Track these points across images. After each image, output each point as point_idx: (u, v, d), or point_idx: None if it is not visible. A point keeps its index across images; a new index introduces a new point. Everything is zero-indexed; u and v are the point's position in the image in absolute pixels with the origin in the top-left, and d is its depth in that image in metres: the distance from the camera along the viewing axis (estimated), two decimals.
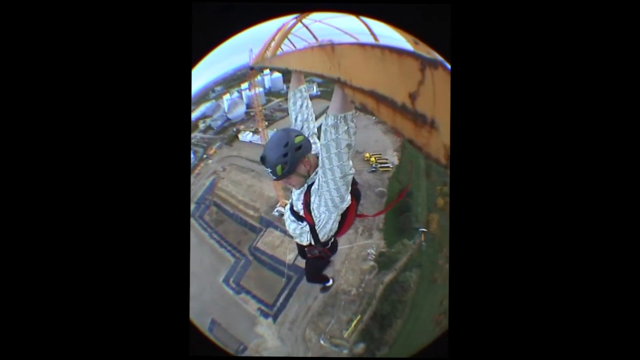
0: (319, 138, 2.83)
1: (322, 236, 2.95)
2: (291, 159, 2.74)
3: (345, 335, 30.95)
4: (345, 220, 2.92)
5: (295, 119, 3.27)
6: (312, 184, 2.78)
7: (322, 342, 32.30)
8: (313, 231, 2.96)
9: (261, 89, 47.56)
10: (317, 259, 3.52)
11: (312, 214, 2.82)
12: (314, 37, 7.56)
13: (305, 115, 3.27)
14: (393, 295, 31.10)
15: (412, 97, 1.00)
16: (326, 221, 2.80)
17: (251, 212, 39.81)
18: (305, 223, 3.01)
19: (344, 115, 2.05)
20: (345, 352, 30.60)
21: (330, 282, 5.25)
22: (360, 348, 30.34)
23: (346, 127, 2.08)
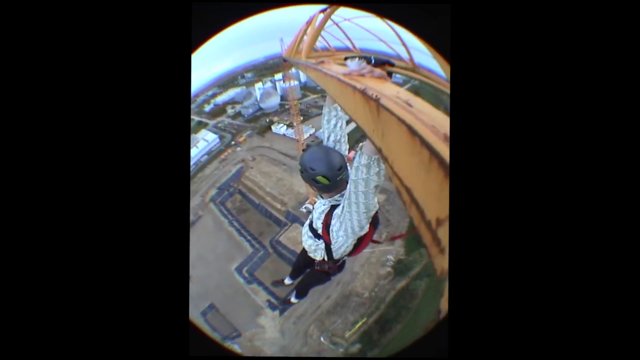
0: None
1: (336, 255, 3.10)
2: (306, 178, 2.93)
3: (347, 335, 30.92)
4: (361, 244, 3.05)
5: (328, 138, 3.28)
6: (336, 206, 2.87)
7: (322, 339, 32.22)
8: (328, 249, 3.09)
9: (296, 82, 47.31)
10: (322, 273, 3.67)
11: (331, 235, 2.92)
12: (348, 37, 7.52)
13: (339, 137, 3.26)
14: (401, 301, 31.20)
15: (439, 223, 1.00)
16: (342, 243, 2.93)
17: (278, 205, 39.59)
18: (321, 241, 3.13)
19: (378, 158, 2.05)
20: (341, 351, 30.57)
21: (304, 300, 5.33)
22: (355, 348, 30.27)
23: (377, 169, 2.11)
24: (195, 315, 36.06)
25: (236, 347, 34.34)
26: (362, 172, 2.14)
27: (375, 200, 2.42)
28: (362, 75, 1.92)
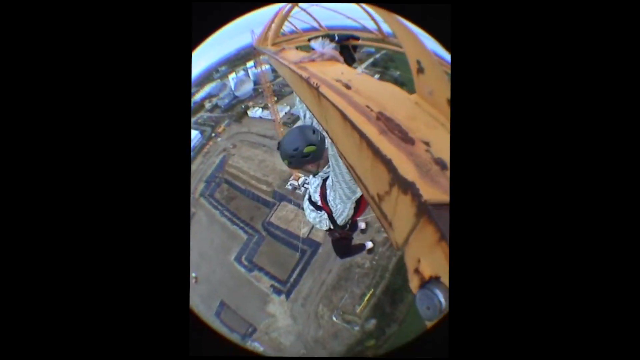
0: None
1: (340, 222, 3.28)
2: (296, 162, 3.06)
3: (358, 310, 31.12)
4: (360, 206, 3.27)
5: (304, 116, 3.54)
6: (327, 178, 3.06)
7: (334, 318, 32.36)
8: (331, 218, 3.26)
9: (268, 66, 47.58)
10: (340, 239, 3.98)
11: (329, 204, 3.11)
12: (314, 18, 7.50)
13: None
14: (405, 267, 31.37)
15: (380, 198, 1.05)
16: (342, 210, 3.11)
17: (264, 187, 39.83)
18: (323, 212, 3.28)
19: None
20: (357, 329, 30.79)
21: (370, 244, 5.74)
22: (371, 324, 30.50)
23: None
24: (210, 317, 36.63)
25: (257, 345, 34.85)
26: None
27: None
28: (313, 60, 2.06)
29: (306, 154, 2.96)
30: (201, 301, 37.08)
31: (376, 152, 0.97)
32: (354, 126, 1.11)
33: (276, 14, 5.91)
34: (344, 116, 1.17)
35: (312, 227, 36.39)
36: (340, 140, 1.36)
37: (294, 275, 34.18)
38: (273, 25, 5.72)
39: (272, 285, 34.93)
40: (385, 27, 5.24)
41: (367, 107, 1.18)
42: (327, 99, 1.36)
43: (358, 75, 1.57)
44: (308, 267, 34.15)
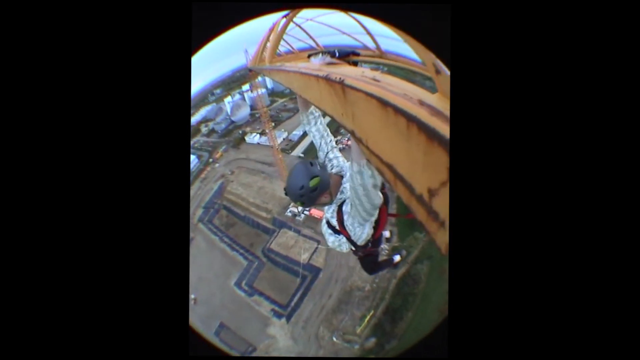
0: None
1: (361, 242, 3.13)
2: (308, 200, 2.92)
3: (358, 330, 30.88)
4: (380, 223, 3.12)
5: (314, 137, 3.42)
6: (343, 203, 2.99)
7: (334, 339, 32.09)
8: (351, 241, 3.13)
9: (264, 90, 47.52)
10: (366, 256, 3.78)
11: (347, 229, 2.99)
12: (310, 36, 7.52)
13: (322, 132, 3.41)
14: (405, 288, 31.04)
15: (431, 193, 0.92)
16: (361, 232, 2.98)
17: (263, 214, 39.73)
18: (342, 235, 3.17)
19: (366, 162, 2.11)
20: (356, 348, 30.55)
21: (398, 257, 5.38)
22: (371, 342, 30.24)
23: (370, 172, 2.16)
24: (209, 336, 35.77)
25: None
26: (357, 179, 2.23)
27: (379, 193, 2.43)
28: (317, 77, 1.87)
29: (313, 187, 2.90)
30: (200, 322, 36.63)
31: (432, 133, 0.84)
32: (398, 110, 0.96)
33: (270, 30, 5.76)
34: (384, 103, 1.04)
35: (313, 253, 36.60)
36: (375, 135, 1.21)
37: (295, 300, 33.94)
38: (269, 44, 5.52)
39: (272, 309, 34.65)
40: (383, 44, 5.34)
41: (405, 94, 1.05)
42: (358, 89, 1.22)
43: (381, 74, 1.42)
44: (309, 291, 33.95)
